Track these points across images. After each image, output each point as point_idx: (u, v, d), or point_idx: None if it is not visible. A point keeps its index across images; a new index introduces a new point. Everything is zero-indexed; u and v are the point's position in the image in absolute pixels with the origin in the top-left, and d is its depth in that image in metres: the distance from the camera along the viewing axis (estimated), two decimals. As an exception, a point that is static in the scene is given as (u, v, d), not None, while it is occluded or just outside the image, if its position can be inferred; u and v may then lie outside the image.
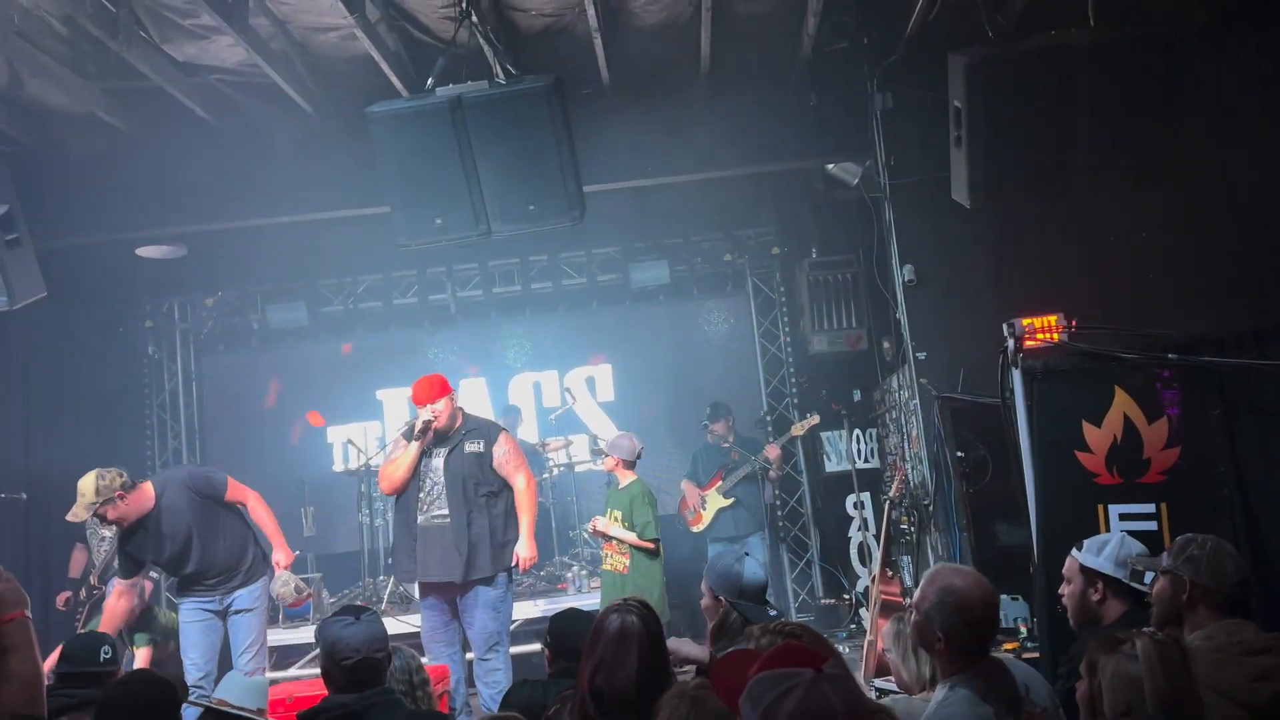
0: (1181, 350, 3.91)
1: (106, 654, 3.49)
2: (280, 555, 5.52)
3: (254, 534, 5.56)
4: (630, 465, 6.30)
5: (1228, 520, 3.76)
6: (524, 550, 5.30)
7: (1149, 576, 3.13)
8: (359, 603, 6.35)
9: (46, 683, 3.74)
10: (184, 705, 3.07)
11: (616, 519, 6.17)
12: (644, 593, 5.81)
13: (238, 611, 5.39)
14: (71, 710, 3.33)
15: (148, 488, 5.27)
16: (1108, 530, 3.83)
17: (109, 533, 6.92)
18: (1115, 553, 3.20)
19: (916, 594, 2.77)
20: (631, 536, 6.09)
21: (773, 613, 3.24)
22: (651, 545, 6.07)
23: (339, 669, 2.84)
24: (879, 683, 3.93)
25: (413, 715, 3.04)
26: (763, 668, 1.77)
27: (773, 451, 7.63)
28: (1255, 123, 5.54)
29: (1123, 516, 3.85)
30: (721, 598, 3.25)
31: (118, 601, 5.40)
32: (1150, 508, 3.85)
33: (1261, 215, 5.62)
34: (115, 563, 6.23)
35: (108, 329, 8.58)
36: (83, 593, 6.99)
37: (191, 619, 5.37)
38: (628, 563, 6.10)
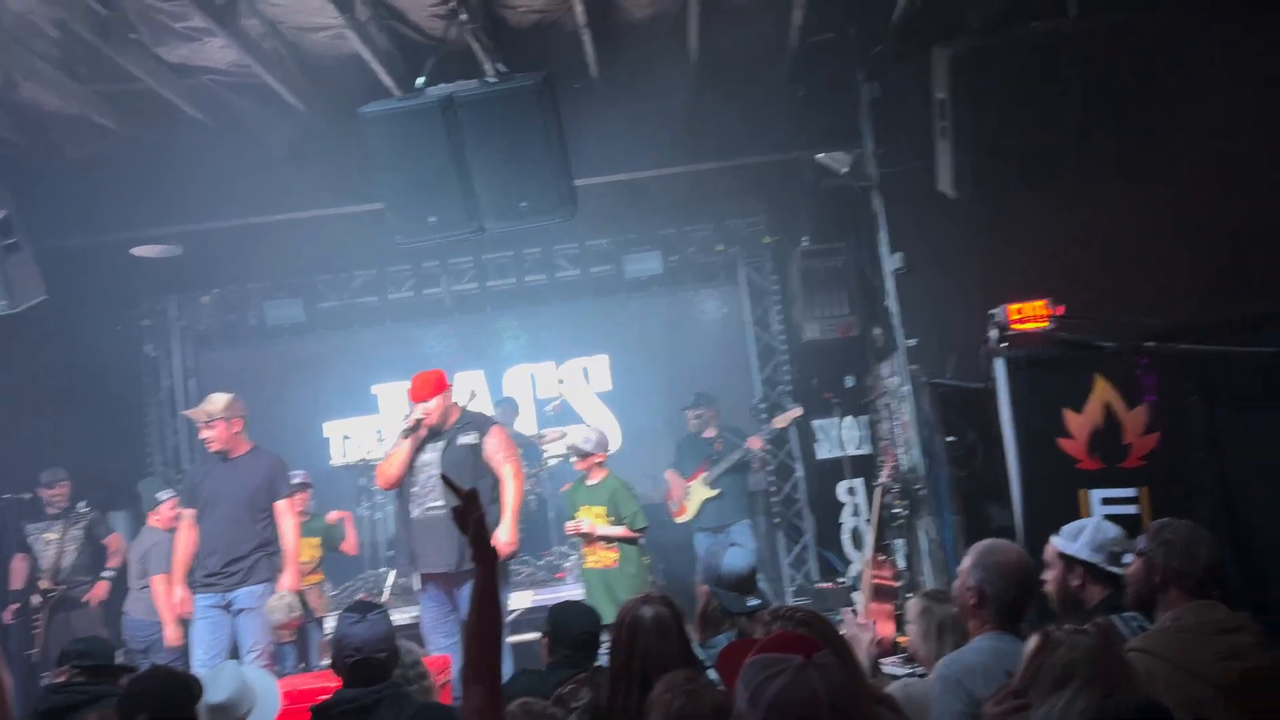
0: (1159, 338, 3.99)
1: (119, 657, 3.64)
2: (288, 579, 5.71)
3: (270, 548, 5.74)
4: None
5: (1207, 503, 3.85)
6: (503, 535, 5.31)
7: (1128, 559, 3.21)
8: (361, 596, 6.46)
9: (61, 679, 3.85)
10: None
11: (599, 516, 6.20)
12: (635, 581, 5.91)
13: (241, 610, 5.53)
14: (88, 706, 3.42)
15: (247, 442, 5.77)
16: (1089, 515, 3.92)
17: (54, 536, 7.08)
18: (1092, 538, 3.27)
19: (961, 563, 3.05)
20: (622, 531, 6.14)
21: (754, 601, 3.30)
22: (639, 534, 6.14)
23: (341, 665, 2.93)
24: (888, 666, 4.02)
25: (422, 708, 3.11)
26: (759, 652, 1.85)
27: (755, 443, 7.67)
28: (1245, 110, 5.58)
29: (1104, 501, 3.94)
30: (704, 586, 3.34)
31: (191, 532, 5.69)
32: (1131, 492, 3.94)
33: (1251, 203, 5.68)
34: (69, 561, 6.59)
35: (105, 328, 8.59)
36: (35, 598, 7.01)
37: (198, 615, 5.56)
38: (616, 557, 6.14)
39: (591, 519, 6.20)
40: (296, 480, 6.81)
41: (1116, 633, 2.30)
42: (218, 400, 5.69)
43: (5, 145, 6.20)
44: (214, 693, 3.19)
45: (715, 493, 7.57)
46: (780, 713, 1.68)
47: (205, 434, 5.68)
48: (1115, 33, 4.89)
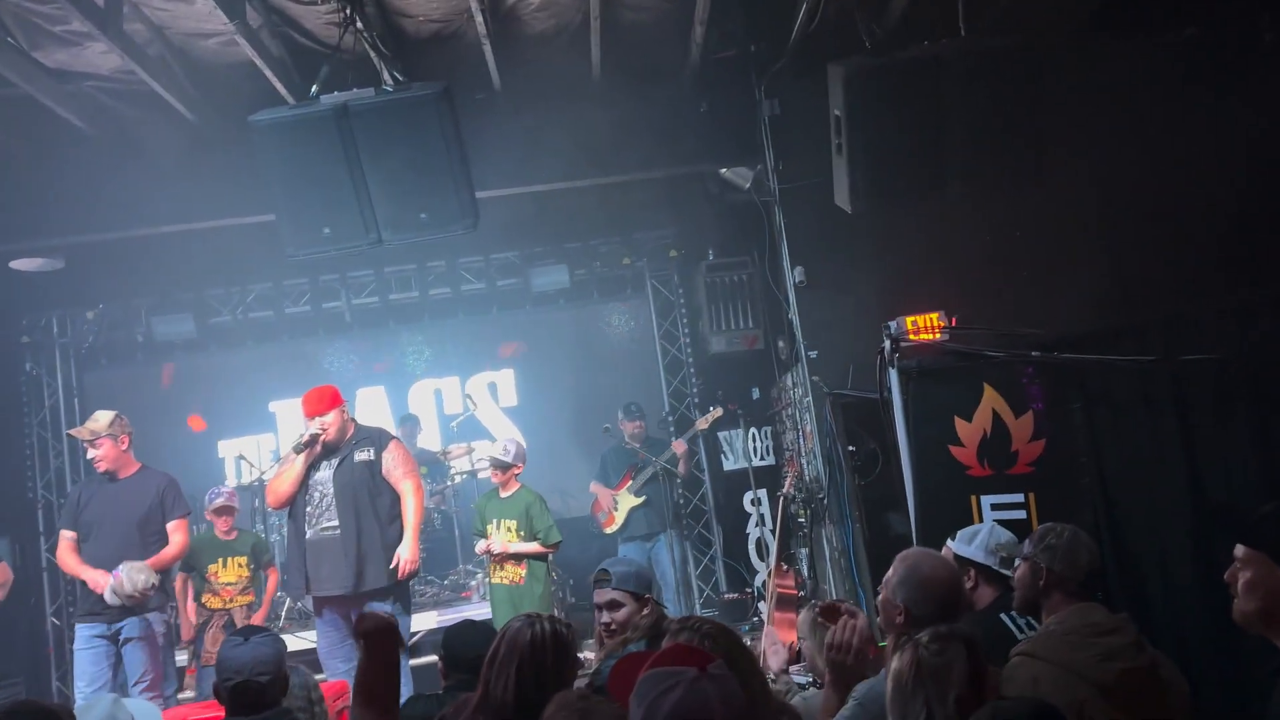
0: (1043, 348, 4.13)
1: None
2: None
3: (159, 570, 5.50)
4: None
5: (1089, 507, 3.99)
6: (405, 551, 5.19)
7: (1018, 563, 3.30)
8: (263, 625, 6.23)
9: None
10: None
11: (510, 530, 6.12)
12: (542, 599, 5.85)
13: (128, 640, 5.29)
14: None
15: (135, 462, 5.56)
16: (981, 520, 4.03)
17: None
18: (985, 541, 3.37)
19: (889, 572, 2.93)
20: (534, 547, 6.07)
21: None
22: (553, 549, 6.09)
23: (223, 689, 2.82)
24: (795, 675, 4.03)
25: (311, 734, 3.01)
26: (652, 666, 1.82)
27: (679, 447, 7.73)
28: (1123, 126, 5.84)
29: (994, 506, 4.05)
30: (648, 595, 3.30)
31: (71, 555, 5.43)
32: (1019, 497, 4.06)
33: (1130, 216, 5.94)
34: None
35: (-18, 345, 8.21)
36: None
37: (82, 645, 5.30)
38: (524, 573, 6.06)
39: (503, 533, 6.10)
40: (221, 500, 6.76)
41: (979, 645, 2.34)
42: (101, 418, 5.47)
43: None
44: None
45: (641, 500, 7.59)
46: None
47: (93, 453, 5.46)
48: (1004, 52, 5.05)
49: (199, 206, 6.59)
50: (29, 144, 6.23)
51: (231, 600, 6.60)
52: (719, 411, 7.89)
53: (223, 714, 3.00)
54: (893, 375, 4.29)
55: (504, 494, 6.24)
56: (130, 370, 9.02)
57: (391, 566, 5.15)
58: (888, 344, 4.30)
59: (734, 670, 1.92)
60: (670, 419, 8.70)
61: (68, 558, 5.47)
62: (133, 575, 5.25)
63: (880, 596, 2.96)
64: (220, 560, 6.63)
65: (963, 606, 2.96)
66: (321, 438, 5.22)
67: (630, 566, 3.59)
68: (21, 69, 5.32)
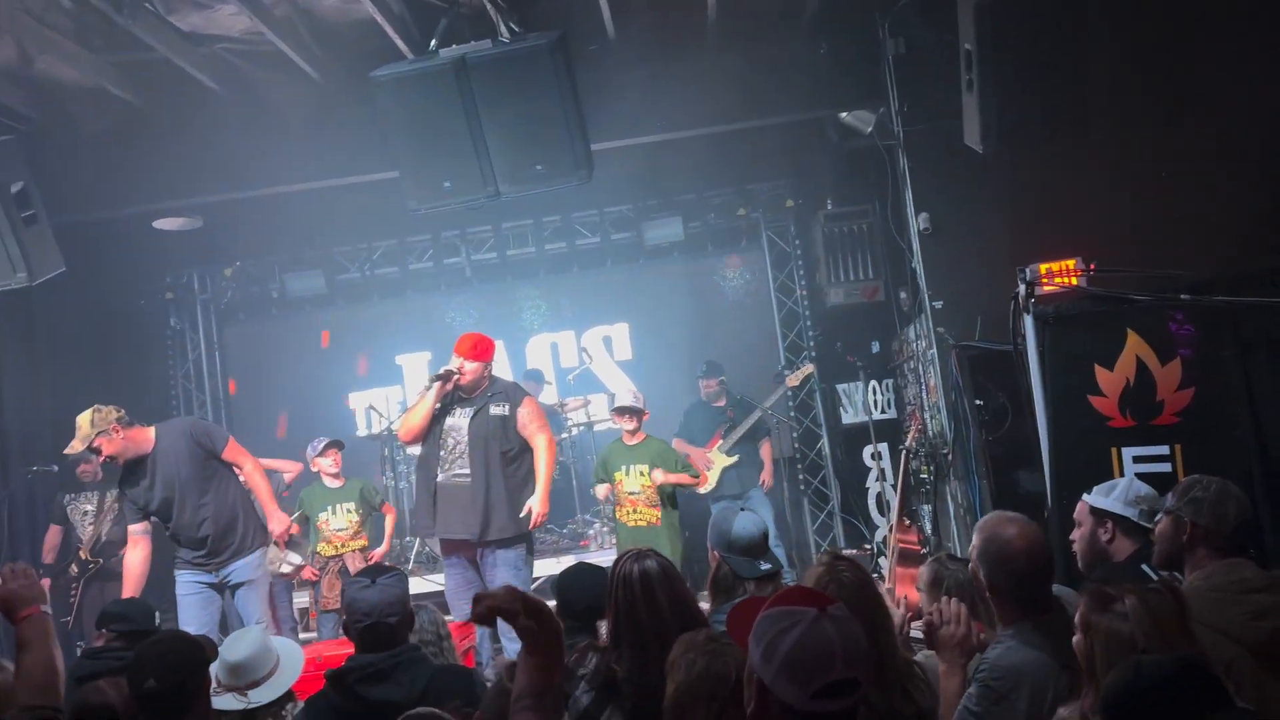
0: (1194, 290, 3.86)
1: (160, 619, 3.69)
2: (274, 525, 5.49)
3: (249, 504, 5.52)
4: None
5: (1242, 460, 3.74)
6: (538, 505, 5.25)
7: (1159, 517, 3.13)
8: (385, 563, 6.47)
9: (100, 642, 3.85)
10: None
11: (643, 474, 6.24)
12: (670, 543, 5.94)
13: (238, 584, 5.35)
14: (114, 673, 3.42)
15: (148, 430, 5.32)
16: (1122, 474, 3.82)
17: (91, 507, 7.09)
18: (1125, 493, 3.21)
19: (971, 541, 2.82)
20: (683, 476, 6.32)
21: (766, 565, 3.19)
22: (696, 481, 6.31)
23: (353, 630, 2.89)
24: (914, 630, 3.94)
25: (441, 670, 3.08)
26: (772, 606, 1.81)
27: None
28: (1277, 55, 5.39)
29: (1136, 459, 3.84)
30: (715, 551, 3.26)
31: (134, 551, 5.34)
32: (1164, 449, 3.83)
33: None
34: (106, 532, 6.69)
35: (129, 302, 8.68)
36: (73, 568, 7.03)
37: (187, 592, 5.33)
38: (660, 515, 6.17)
39: (635, 477, 6.26)
40: (323, 443, 6.93)
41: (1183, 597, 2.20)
42: (82, 424, 5.13)
43: (21, 119, 6.20)
44: (233, 651, 3.19)
45: (733, 460, 7.55)
46: (796, 665, 1.67)
47: (103, 458, 5.24)
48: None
49: (326, 165, 6.78)
50: (167, 107, 6.50)
51: (343, 546, 6.82)
52: (810, 368, 7.79)
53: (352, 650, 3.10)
54: (1028, 322, 4.08)
55: (634, 441, 6.35)
56: (266, 325, 9.42)
57: (522, 515, 5.23)
58: (1023, 288, 4.09)
59: None
60: (786, 373, 8.57)
61: (128, 569, 5.28)
62: (275, 563, 5.44)
63: (970, 565, 2.84)
64: (330, 508, 6.85)
65: (1049, 577, 2.75)
66: (455, 378, 5.29)
67: (717, 519, 3.51)
68: (159, 33, 5.54)
